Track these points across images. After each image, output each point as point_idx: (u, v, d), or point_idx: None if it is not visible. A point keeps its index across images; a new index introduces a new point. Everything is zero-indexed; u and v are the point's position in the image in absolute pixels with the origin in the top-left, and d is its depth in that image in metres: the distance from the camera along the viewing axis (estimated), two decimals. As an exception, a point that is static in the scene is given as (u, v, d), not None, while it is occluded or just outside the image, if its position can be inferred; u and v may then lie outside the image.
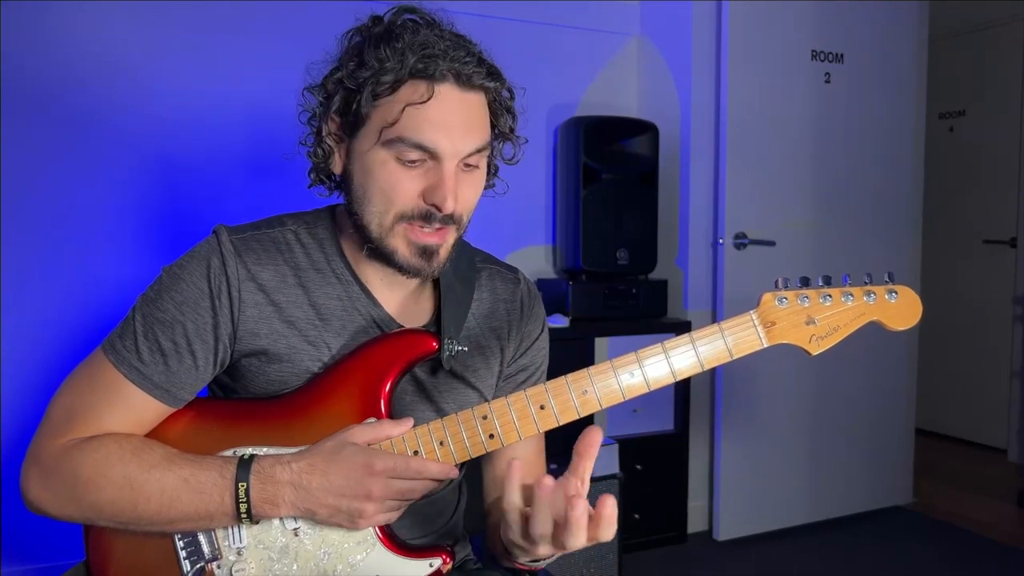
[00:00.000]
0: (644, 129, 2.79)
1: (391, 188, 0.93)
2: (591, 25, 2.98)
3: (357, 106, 0.93)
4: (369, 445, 0.91)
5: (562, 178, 2.82)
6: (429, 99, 0.90)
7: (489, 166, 1.07)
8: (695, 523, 2.86)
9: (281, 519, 0.93)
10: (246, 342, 0.96)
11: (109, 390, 0.93)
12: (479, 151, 0.95)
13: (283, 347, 0.97)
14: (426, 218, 0.93)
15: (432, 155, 0.92)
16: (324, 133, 0.99)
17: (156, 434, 0.95)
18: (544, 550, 0.84)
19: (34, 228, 2.26)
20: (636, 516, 2.62)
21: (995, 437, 4.00)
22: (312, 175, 1.04)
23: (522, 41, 2.84)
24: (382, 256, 0.97)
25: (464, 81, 0.92)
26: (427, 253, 0.95)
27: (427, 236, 0.95)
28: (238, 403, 1.00)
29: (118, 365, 0.93)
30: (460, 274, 1.07)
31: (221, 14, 2.42)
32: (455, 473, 0.94)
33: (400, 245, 0.95)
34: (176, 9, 2.36)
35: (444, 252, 0.97)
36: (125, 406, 0.93)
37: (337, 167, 1.00)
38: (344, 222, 1.03)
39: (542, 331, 1.17)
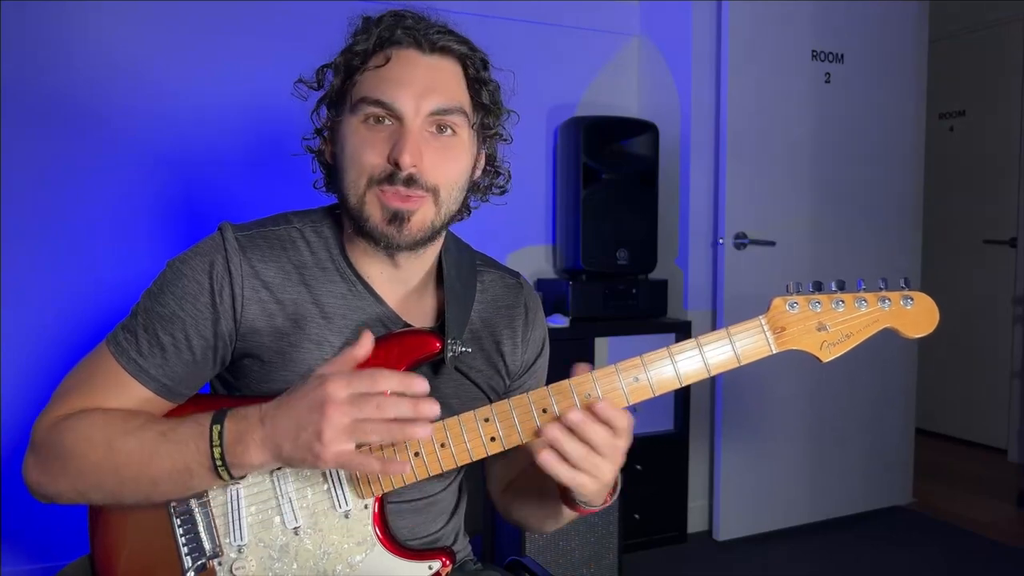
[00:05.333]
0: (644, 129, 2.79)
1: (359, 151, 0.94)
2: (591, 25, 2.98)
3: (334, 87, 0.98)
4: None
5: (562, 178, 2.82)
6: (387, 62, 0.94)
7: (491, 160, 1.08)
8: (695, 523, 2.86)
9: (282, 520, 0.93)
10: (248, 339, 0.96)
11: (108, 380, 0.94)
12: (446, 112, 0.95)
13: (285, 345, 0.97)
14: (390, 179, 0.93)
15: (395, 115, 0.94)
16: (322, 128, 1.03)
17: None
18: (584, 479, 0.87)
19: (35, 228, 2.26)
20: (636, 516, 2.62)
21: (995, 437, 4.00)
22: (322, 180, 1.05)
23: (522, 41, 2.84)
24: (364, 233, 0.97)
25: (425, 45, 0.95)
26: (397, 219, 0.94)
27: (397, 200, 0.94)
28: (240, 401, 0.99)
29: (117, 356, 0.94)
30: (462, 277, 1.07)
31: (224, 13, 2.42)
32: (426, 397, 0.85)
33: (373, 211, 0.95)
34: (179, 8, 2.36)
35: (418, 223, 0.95)
36: (122, 397, 0.94)
37: (329, 155, 1.02)
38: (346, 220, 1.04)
39: (545, 337, 1.18)
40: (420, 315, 1.05)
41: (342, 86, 0.97)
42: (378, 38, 0.94)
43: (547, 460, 0.86)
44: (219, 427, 0.86)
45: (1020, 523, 3.05)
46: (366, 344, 0.88)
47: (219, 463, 0.86)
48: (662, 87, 2.97)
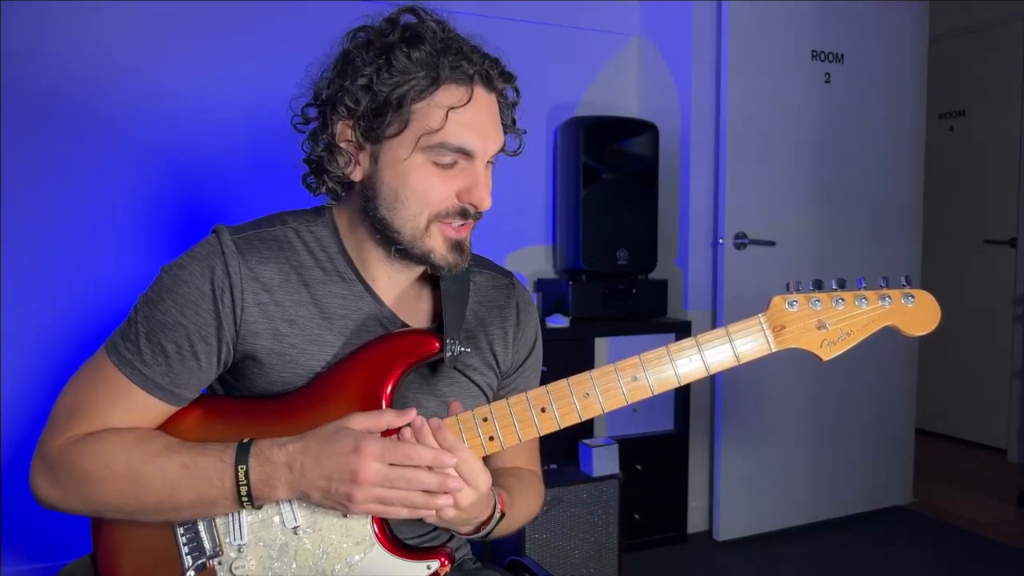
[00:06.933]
0: (644, 129, 2.79)
1: (428, 191, 0.95)
2: (591, 25, 2.98)
3: (390, 112, 0.92)
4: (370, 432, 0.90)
5: (562, 178, 2.82)
6: (468, 102, 0.93)
7: None
8: (695, 523, 2.86)
9: (282, 520, 0.94)
10: (249, 341, 0.96)
11: (112, 390, 0.94)
12: (500, 151, 1.00)
13: (286, 346, 0.97)
14: (462, 215, 0.97)
15: (467, 155, 0.95)
16: (338, 139, 0.97)
17: (162, 431, 0.96)
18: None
19: (35, 228, 2.26)
20: (636, 516, 2.62)
21: (995, 437, 4.00)
22: (320, 184, 1.02)
23: (522, 41, 2.84)
24: (414, 257, 0.99)
25: (489, 82, 0.96)
26: (459, 247, 0.99)
27: (459, 231, 0.98)
28: (243, 401, 1.00)
29: (121, 367, 0.93)
30: (457, 277, 1.07)
31: (224, 13, 2.42)
32: (452, 470, 0.89)
33: (437, 244, 0.97)
34: (179, 8, 2.36)
35: (469, 245, 1.02)
36: (128, 406, 0.94)
37: (358, 174, 0.98)
38: (347, 221, 1.03)
39: (537, 336, 1.18)
40: (417, 315, 1.06)
41: (386, 108, 0.92)
42: (447, 72, 0.92)
43: None
44: (244, 467, 0.88)
45: (1020, 523, 3.05)
46: (407, 417, 0.92)
47: (246, 500, 0.89)
48: (662, 87, 2.96)
